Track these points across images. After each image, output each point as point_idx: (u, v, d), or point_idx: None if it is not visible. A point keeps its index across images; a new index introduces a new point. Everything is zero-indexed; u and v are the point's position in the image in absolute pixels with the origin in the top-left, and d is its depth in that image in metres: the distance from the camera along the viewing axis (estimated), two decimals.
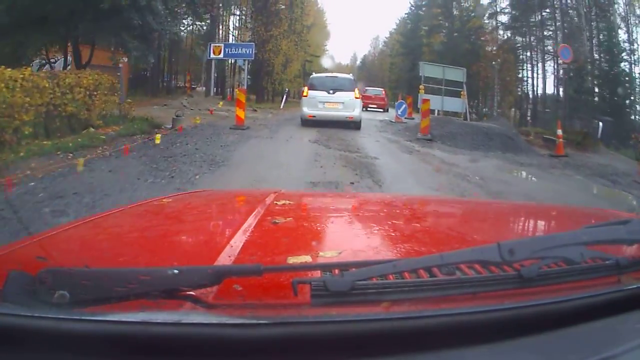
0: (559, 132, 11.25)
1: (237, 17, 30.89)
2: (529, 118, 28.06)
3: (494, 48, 30.10)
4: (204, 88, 25.12)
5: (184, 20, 26.26)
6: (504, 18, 30.14)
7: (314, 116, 11.83)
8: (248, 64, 22.09)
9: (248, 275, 0.67)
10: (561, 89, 24.71)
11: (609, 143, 16.57)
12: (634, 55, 23.41)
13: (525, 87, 29.79)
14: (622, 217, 1.15)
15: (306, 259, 0.85)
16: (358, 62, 53.08)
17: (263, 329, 0.58)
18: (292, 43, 28.94)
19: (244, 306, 0.66)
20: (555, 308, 0.66)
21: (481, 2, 31.12)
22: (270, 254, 0.95)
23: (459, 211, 1.68)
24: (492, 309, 0.65)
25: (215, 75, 25.65)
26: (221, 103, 18.09)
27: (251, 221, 1.11)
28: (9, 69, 6.76)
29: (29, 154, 6.65)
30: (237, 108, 11.57)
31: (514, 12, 29.37)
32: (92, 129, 8.91)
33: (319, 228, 1.23)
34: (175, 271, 0.63)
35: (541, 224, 1.46)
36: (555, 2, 26.49)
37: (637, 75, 23.35)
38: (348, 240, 1.08)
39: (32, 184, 5.31)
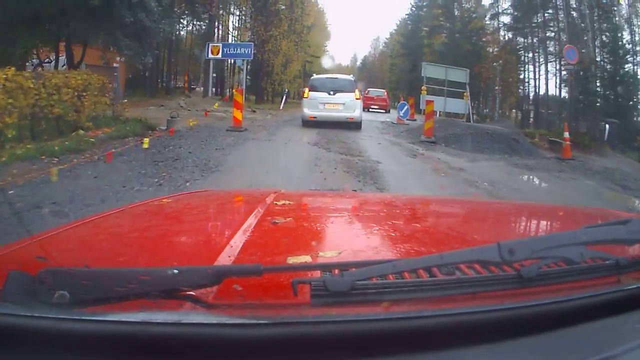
0: (566, 134, 11.04)
1: (237, 17, 30.65)
2: (531, 119, 27.78)
3: (496, 49, 29.88)
4: (202, 89, 24.73)
5: (182, 20, 26.01)
6: (506, 19, 29.88)
7: (314, 117, 11.99)
8: (247, 64, 21.75)
9: (248, 275, 0.67)
10: (564, 91, 24.54)
11: (615, 145, 16.37)
12: (637, 56, 23.15)
13: (527, 88, 29.54)
14: (622, 217, 1.14)
15: (306, 259, 0.85)
16: (358, 63, 52.77)
17: (263, 329, 0.58)
18: (292, 43, 28.79)
19: (244, 306, 0.66)
20: (555, 308, 0.66)
21: (482, 3, 30.90)
22: (270, 254, 0.94)
23: (459, 211, 1.68)
24: (492, 309, 0.65)
25: (215, 75, 25.33)
26: (217, 104, 17.62)
27: (251, 221, 1.11)
28: None
29: (12, 159, 6.33)
30: (234, 109, 11.33)
31: (516, 13, 29.11)
32: (81, 132, 8.52)
33: (318, 228, 1.23)
34: (175, 271, 0.63)
35: (541, 224, 1.46)
36: (558, 3, 26.21)
37: None
38: (348, 240, 1.08)
39: (12, 192, 4.98)
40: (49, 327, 0.56)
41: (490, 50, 30.28)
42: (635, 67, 23.26)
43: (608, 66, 24.58)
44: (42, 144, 7.30)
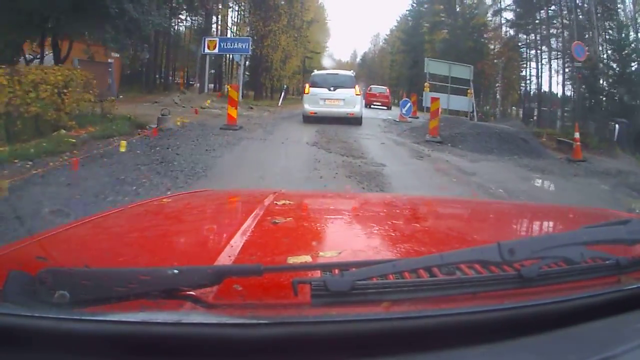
0: (577, 134, 10.70)
1: (235, 12, 30.04)
2: (535, 117, 27.25)
3: (498, 46, 29.37)
4: (198, 84, 24.07)
5: (180, 15, 25.34)
6: (508, 15, 29.32)
7: (315, 113, 12.09)
8: (245, 60, 21.16)
9: (248, 275, 0.67)
10: (567, 89, 24.06)
11: (624, 146, 15.89)
12: None
13: (530, 85, 29.02)
14: (622, 217, 1.13)
15: (306, 259, 0.85)
16: (358, 59, 52.09)
17: (263, 329, 0.58)
18: (291, 39, 28.41)
19: (244, 306, 0.66)
20: (555, 308, 0.65)
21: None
22: (270, 254, 0.94)
23: (459, 211, 1.68)
24: (492, 309, 0.64)
25: (213, 71, 24.71)
26: (209, 101, 16.95)
27: (251, 221, 1.10)
28: None
29: None
30: (228, 106, 10.74)
31: (518, 10, 28.54)
32: (62, 131, 7.86)
33: (319, 228, 1.22)
34: (175, 271, 0.63)
35: (541, 224, 1.45)
36: (561, 0, 25.64)
37: None
38: (348, 240, 1.08)
39: None
40: (49, 327, 0.56)
41: (492, 47, 29.84)
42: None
43: (614, 65, 24.06)
44: (17, 146, 6.68)
